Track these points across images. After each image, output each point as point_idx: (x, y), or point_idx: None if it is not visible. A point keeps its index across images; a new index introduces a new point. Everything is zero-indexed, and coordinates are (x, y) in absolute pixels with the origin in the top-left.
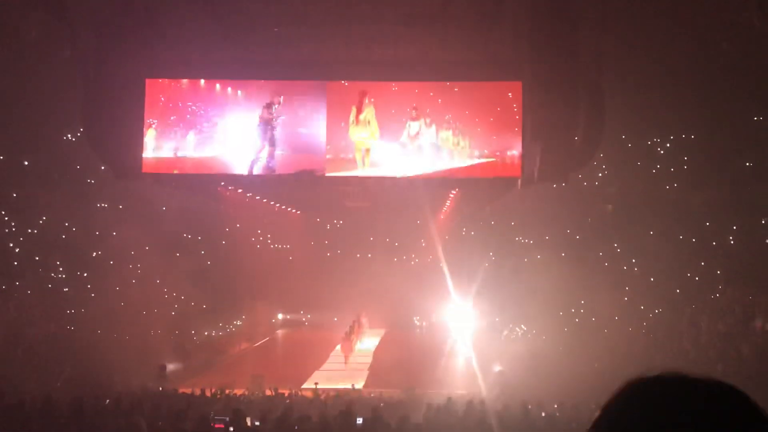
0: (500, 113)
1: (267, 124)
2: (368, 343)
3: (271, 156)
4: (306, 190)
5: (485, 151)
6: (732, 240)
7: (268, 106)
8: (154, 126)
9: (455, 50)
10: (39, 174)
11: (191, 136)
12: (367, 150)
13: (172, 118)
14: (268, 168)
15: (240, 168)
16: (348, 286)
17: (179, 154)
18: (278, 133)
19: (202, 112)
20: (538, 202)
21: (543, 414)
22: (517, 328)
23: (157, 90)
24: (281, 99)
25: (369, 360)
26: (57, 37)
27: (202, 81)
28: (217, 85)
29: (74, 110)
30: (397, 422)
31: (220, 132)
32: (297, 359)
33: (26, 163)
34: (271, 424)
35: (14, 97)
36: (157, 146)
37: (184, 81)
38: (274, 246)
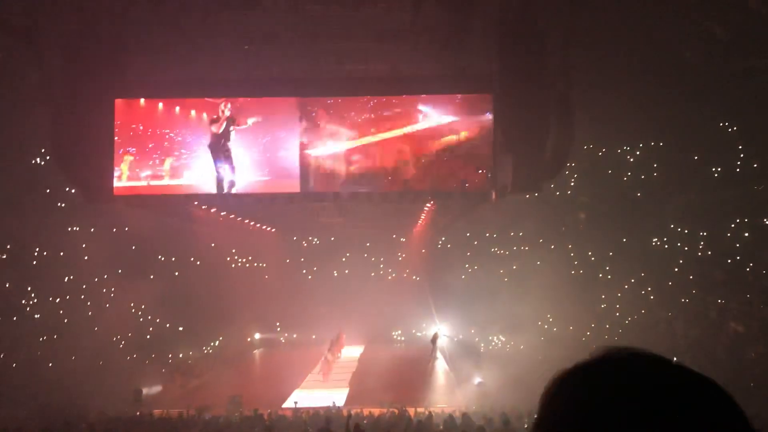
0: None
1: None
2: (348, 359)
3: (228, 179)
4: (280, 207)
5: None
6: (702, 245)
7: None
8: (131, 153)
9: (425, 64)
10: (7, 199)
11: (167, 164)
12: None
13: (150, 145)
14: (228, 188)
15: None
16: (325, 303)
17: (152, 182)
18: (236, 150)
19: (179, 139)
20: (512, 213)
21: (525, 425)
22: (495, 340)
23: (133, 118)
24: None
25: (349, 377)
26: (24, 60)
27: (177, 109)
28: (192, 112)
29: (42, 134)
30: None
31: (197, 158)
32: (275, 378)
33: None
34: None
35: None
36: (133, 175)
37: (160, 107)
38: (249, 265)
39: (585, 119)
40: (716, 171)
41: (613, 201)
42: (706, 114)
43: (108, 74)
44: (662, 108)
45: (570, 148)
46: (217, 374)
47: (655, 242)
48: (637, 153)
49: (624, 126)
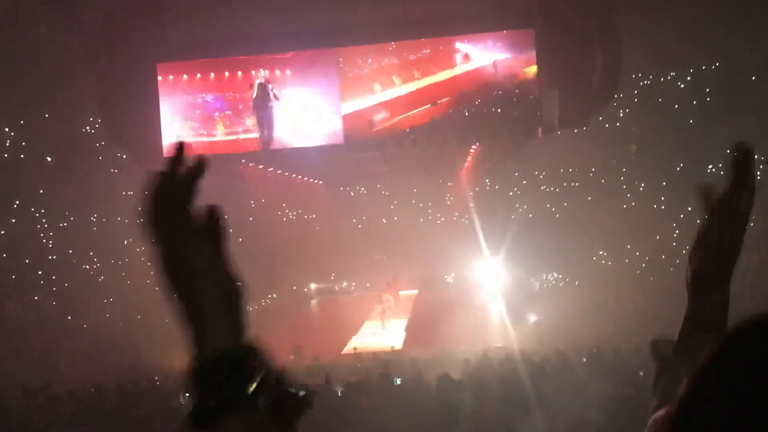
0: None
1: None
2: (403, 304)
3: (269, 137)
4: (325, 159)
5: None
6: (762, 168)
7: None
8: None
9: (464, 2)
10: (63, 169)
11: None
12: None
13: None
14: (268, 145)
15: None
16: (377, 251)
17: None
18: (275, 111)
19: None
20: (560, 150)
21: (584, 360)
22: (549, 277)
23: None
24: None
25: (405, 321)
26: (65, 30)
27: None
28: (253, 72)
29: (90, 102)
30: (436, 380)
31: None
32: (334, 327)
33: (49, 159)
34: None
35: (30, 95)
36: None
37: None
38: (300, 218)
39: (631, 47)
40: None
41: (664, 130)
42: (756, 29)
43: (147, 39)
44: (712, 29)
45: (617, 78)
46: (276, 325)
47: (711, 169)
48: (688, 79)
49: (672, 51)
